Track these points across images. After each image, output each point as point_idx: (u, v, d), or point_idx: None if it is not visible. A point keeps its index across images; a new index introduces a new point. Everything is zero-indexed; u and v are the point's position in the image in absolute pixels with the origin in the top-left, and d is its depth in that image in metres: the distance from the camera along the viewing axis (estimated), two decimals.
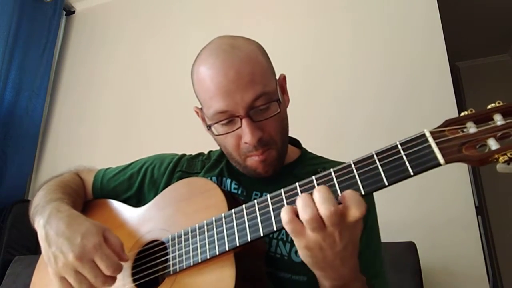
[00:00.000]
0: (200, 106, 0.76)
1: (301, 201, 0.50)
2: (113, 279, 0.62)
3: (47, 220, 0.67)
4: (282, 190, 0.57)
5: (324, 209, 0.48)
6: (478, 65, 3.51)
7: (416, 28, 1.67)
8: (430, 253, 1.31)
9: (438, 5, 1.65)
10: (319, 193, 0.49)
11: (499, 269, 2.85)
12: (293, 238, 0.52)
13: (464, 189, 1.41)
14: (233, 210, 0.62)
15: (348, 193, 0.49)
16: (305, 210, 0.49)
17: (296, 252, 0.69)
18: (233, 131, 0.68)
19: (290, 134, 0.79)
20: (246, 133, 0.66)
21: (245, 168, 0.73)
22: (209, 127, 0.70)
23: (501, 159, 0.45)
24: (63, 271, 0.61)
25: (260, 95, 0.66)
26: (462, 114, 0.50)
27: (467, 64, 3.54)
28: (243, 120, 0.66)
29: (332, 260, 0.52)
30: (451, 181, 1.40)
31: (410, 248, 1.22)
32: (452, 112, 1.50)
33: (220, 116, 0.67)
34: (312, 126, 1.63)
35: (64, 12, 2.52)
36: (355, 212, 0.48)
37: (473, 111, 0.49)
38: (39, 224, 0.68)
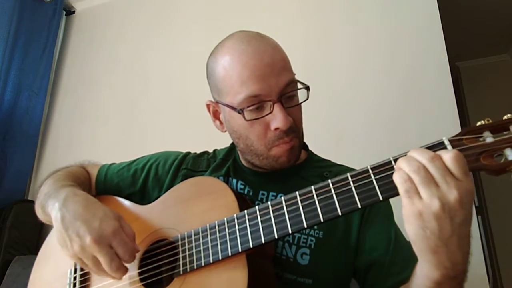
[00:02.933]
0: (213, 99, 0.76)
1: (403, 160, 0.48)
2: (125, 268, 0.62)
3: (63, 203, 0.66)
4: (297, 193, 0.57)
5: (422, 158, 0.47)
6: (478, 65, 3.51)
7: (416, 28, 1.67)
8: None
9: (438, 5, 1.65)
10: (414, 151, 0.48)
11: (499, 269, 2.85)
12: (406, 202, 0.47)
13: None
14: (245, 211, 0.62)
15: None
16: (409, 163, 0.47)
17: (301, 254, 0.69)
18: (261, 117, 0.67)
19: None
20: (279, 118, 0.66)
21: (266, 158, 0.72)
22: (241, 111, 0.68)
23: None
24: (79, 253, 0.61)
25: (291, 81, 0.68)
26: (479, 123, 0.51)
27: (467, 64, 3.53)
28: (276, 105, 0.66)
29: (449, 236, 0.47)
30: None
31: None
32: (452, 112, 1.50)
33: (251, 101, 0.66)
34: (311, 125, 1.63)
35: (64, 12, 2.52)
36: (446, 153, 0.46)
37: (490, 121, 0.51)
38: (54, 207, 0.67)
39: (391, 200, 0.76)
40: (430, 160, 0.47)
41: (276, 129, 0.68)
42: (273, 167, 0.73)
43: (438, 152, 0.48)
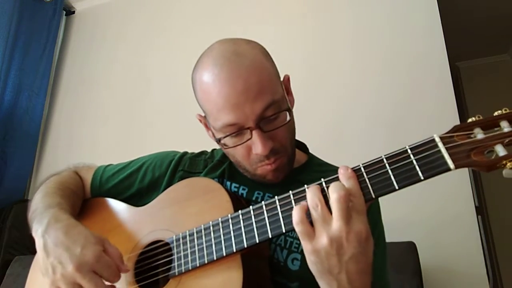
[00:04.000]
0: (203, 114, 0.75)
1: (310, 192, 0.53)
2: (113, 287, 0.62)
3: (46, 230, 0.66)
4: (290, 192, 0.58)
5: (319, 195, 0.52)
6: (478, 65, 3.51)
7: (416, 28, 1.67)
8: (430, 253, 1.31)
9: (438, 5, 1.65)
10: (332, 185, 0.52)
11: (499, 269, 2.85)
12: (301, 241, 0.52)
13: (464, 189, 1.41)
14: (240, 212, 0.62)
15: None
16: (309, 200, 0.52)
17: (292, 260, 0.69)
18: (243, 143, 0.66)
19: None
20: (257, 145, 0.64)
21: (254, 175, 0.72)
22: (218, 141, 0.68)
23: (509, 165, 0.46)
24: (60, 282, 0.61)
25: (270, 104, 0.64)
26: (470, 120, 0.51)
27: (467, 64, 3.54)
28: (254, 132, 0.64)
29: (338, 272, 0.50)
30: (451, 181, 1.40)
31: (410, 248, 1.22)
32: (452, 112, 1.50)
33: (229, 129, 0.65)
34: (312, 126, 1.63)
35: (64, 12, 2.53)
36: (332, 193, 0.50)
37: (481, 117, 0.50)
38: (37, 233, 0.67)
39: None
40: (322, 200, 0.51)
41: (257, 154, 0.67)
42: (263, 182, 0.73)
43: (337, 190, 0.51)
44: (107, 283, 0.61)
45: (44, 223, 0.67)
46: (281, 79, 0.73)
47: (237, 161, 0.72)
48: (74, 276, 0.59)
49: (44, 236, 0.65)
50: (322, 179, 0.55)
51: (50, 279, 0.62)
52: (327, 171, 0.79)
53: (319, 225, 0.50)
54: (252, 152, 0.67)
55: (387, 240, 0.76)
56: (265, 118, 0.64)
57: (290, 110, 0.67)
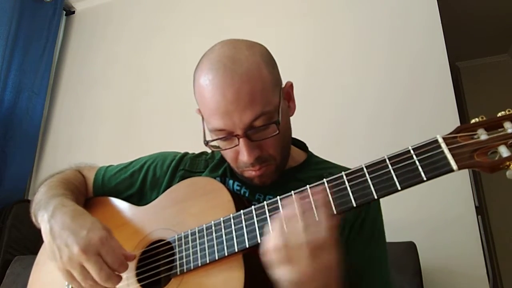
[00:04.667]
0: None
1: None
2: (117, 276, 0.62)
3: (52, 215, 0.67)
4: (292, 192, 0.58)
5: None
6: (478, 65, 3.51)
7: (416, 28, 1.67)
8: (430, 253, 1.30)
9: (438, 5, 1.65)
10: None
11: (499, 269, 2.85)
12: (276, 270, 0.53)
13: (464, 189, 1.41)
14: (241, 211, 0.62)
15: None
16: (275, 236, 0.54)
17: None
18: (231, 147, 0.67)
19: (293, 135, 0.78)
20: (243, 153, 0.65)
21: (243, 177, 0.73)
22: (206, 143, 0.69)
23: None
24: (68, 264, 0.61)
25: (260, 115, 0.64)
26: (473, 121, 0.51)
27: (467, 64, 3.53)
28: (241, 140, 0.65)
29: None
30: (451, 181, 1.40)
31: (410, 248, 1.22)
32: (452, 112, 1.50)
33: (219, 133, 0.66)
34: (313, 126, 1.63)
35: (64, 12, 2.52)
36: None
37: (484, 118, 0.50)
38: (43, 218, 0.68)
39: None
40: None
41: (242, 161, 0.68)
42: (251, 184, 0.74)
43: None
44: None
45: (50, 209, 0.68)
46: (283, 85, 0.73)
47: (227, 161, 0.74)
48: (79, 258, 0.60)
49: (51, 221, 0.66)
50: (324, 179, 0.55)
51: (57, 263, 0.63)
52: (326, 169, 0.79)
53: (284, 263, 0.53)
54: (239, 157, 0.68)
55: (388, 240, 0.76)
56: (253, 128, 0.64)
57: (278, 123, 0.66)
